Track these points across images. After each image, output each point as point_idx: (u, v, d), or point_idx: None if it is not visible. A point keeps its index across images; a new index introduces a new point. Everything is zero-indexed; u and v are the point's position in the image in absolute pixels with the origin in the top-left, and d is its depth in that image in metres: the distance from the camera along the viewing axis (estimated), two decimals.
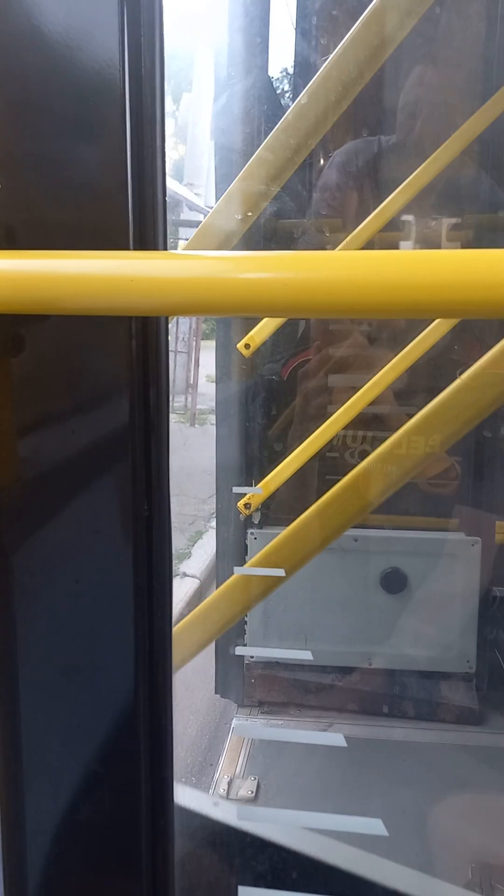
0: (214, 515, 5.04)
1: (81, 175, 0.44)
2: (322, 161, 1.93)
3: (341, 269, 0.35)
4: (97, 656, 0.49)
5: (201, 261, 0.37)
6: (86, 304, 0.38)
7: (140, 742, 0.51)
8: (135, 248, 0.44)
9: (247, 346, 1.76)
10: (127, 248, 0.44)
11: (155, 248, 0.45)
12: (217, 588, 2.08)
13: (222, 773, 1.72)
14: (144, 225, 0.45)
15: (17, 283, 0.38)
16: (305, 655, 0.58)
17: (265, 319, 1.75)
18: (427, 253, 0.35)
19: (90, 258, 0.38)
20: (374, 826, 0.53)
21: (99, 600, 0.49)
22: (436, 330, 1.68)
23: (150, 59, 0.44)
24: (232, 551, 2.03)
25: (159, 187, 0.45)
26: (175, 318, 9.21)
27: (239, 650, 0.61)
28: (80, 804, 0.50)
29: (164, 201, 0.45)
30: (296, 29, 1.83)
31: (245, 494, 1.93)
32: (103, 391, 0.49)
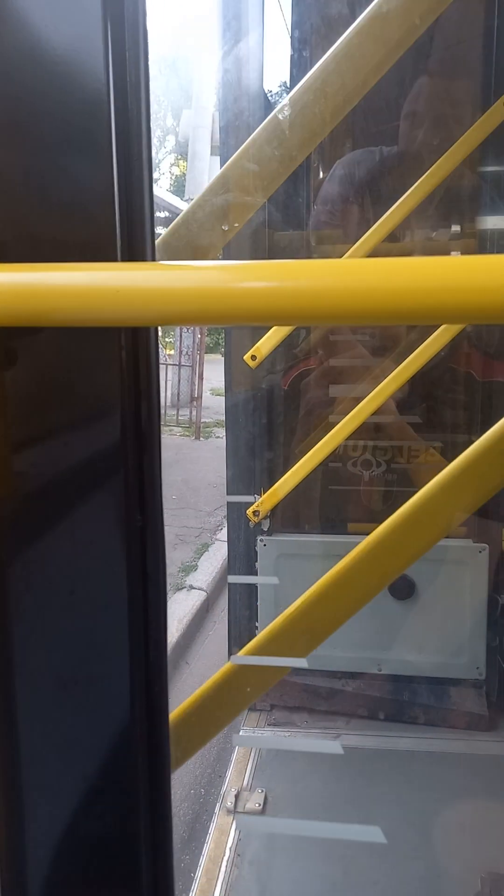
0: (220, 528, 5.04)
1: (69, 189, 0.44)
2: (321, 172, 1.95)
3: (323, 277, 0.35)
4: (93, 668, 0.49)
5: (187, 271, 0.37)
6: (74, 316, 0.39)
7: (137, 754, 0.51)
8: (122, 260, 0.44)
9: (253, 357, 1.76)
10: (115, 261, 0.44)
11: (143, 260, 0.45)
12: (228, 601, 2.07)
13: (230, 785, 1.71)
14: (132, 237, 0.45)
15: (5, 296, 0.38)
16: (300, 664, 0.56)
17: (271, 330, 1.76)
18: (426, 259, 0.35)
19: (77, 270, 0.39)
20: (372, 834, 0.53)
21: (94, 612, 0.49)
22: (438, 339, 1.69)
23: (136, 72, 0.45)
24: (243, 559, 2.04)
25: (146, 199, 0.46)
26: (179, 333, 9.26)
27: (234, 659, 0.59)
28: (79, 818, 0.50)
29: (152, 213, 0.46)
30: (291, 40, 1.85)
31: (253, 502, 1.94)
32: (95, 403, 0.49)
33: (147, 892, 0.53)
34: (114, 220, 0.44)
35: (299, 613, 0.62)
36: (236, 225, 0.85)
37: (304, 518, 2.07)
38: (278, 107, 0.81)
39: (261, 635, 0.64)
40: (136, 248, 0.44)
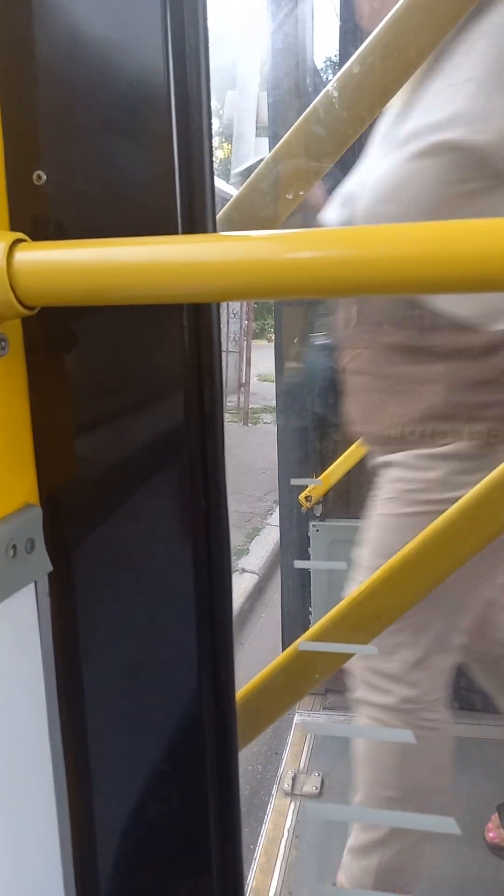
0: (270, 512, 5.02)
1: (127, 162, 0.43)
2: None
3: (405, 243, 0.33)
4: (159, 652, 0.49)
5: (256, 241, 0.36)
6: (137, 293, 0.38)
7: (205, 738, 0.50)
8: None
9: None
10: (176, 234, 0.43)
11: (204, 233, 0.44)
12: (280, 586, 2.07)
13: (286, 768, 1.71)
14: (193, 210, 0.44)
15: (65, 274, 0.37)
16: (369, 650, 0.54)
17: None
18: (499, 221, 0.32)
19: (139, 244, 0.37)
20: (446, 825, 0.51)
21: (160, 595, 0.48)
22: None
23: (195, 39, 0.43)
24: (295, 545, 2.02)
25: (207, 170, 0.44)
26: (226, 319, 9.25)
27: (302, 645, 0.58)
28: (148, 802, 0.50)
29: (213, 185, 0.44)
30: (340, 12, 1.79)
31: (306, 487, 1.92)
32: (157, 385, 0.48)
33: (216, 870, 0.53)
34: (174, 194, 0.43)
35: (363, 598, 0.61)
36: (301, 193, 0.81)
37: (357, 503, 2.04)
38: (347, 64, 0.77)
39: (325, 619, 0.62)
40: (196, 221, 0.43)
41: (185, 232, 0.43)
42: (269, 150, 1.75)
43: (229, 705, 0.51)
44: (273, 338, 2.04)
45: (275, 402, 2.07)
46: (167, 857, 0.51)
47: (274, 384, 2.04)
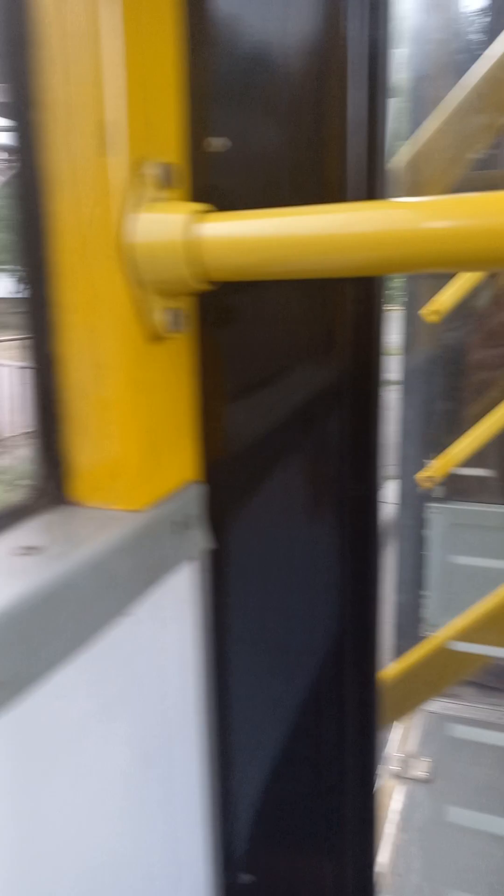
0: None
1: (302, 130, 0.41)
2: None
3: None
4: (307, 635, 0.48)
5: (435, 207, 0.33)
6: (330, 265, 0.35)
7: (346, 726, 0.49)
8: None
9: (433, 312, 1.65)
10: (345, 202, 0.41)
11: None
12: (397, 568, 2.02)
13: (396, 750, 1.69)
14: (371, 175, 0.41)
15: (250, 246, 0.36)
16: None
17: (454, 282, 1.63)
18: None
19: (332, 212, 0.34)
20: None
21: (309, 581, 0.47)
22: None
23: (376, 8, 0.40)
24: (410, 525, 1.97)
25: (379, 137, 0.41)
26: None
27: (450, 644, 0.54)
28: (286, 782, 0.50)
29: (384, 153, 0.41)
30: None
31: (424, 466, 1.85)
32: (313, 367, 0.46)
33: (350, 855, 0.52)
34: (344, 161, 0.41)
35: None
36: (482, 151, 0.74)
37: (482, 485, 1.94)
38: None
39: (471, 616, 0.59)
40: (375, 187, 0.40)
41: (359, 199, 0.40)
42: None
43: (371, 696, 0.50)
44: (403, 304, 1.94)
45: (397, 374, 1.99)
46: (302, 836, 0.51)
47: (397, 358, 1.96)
